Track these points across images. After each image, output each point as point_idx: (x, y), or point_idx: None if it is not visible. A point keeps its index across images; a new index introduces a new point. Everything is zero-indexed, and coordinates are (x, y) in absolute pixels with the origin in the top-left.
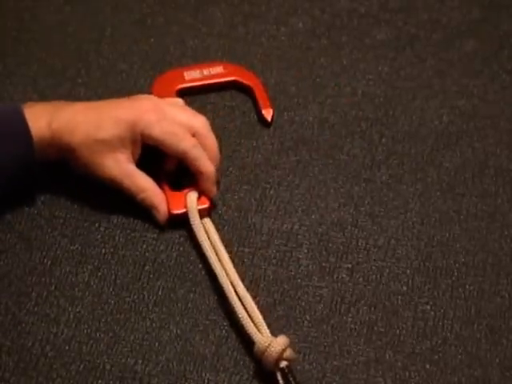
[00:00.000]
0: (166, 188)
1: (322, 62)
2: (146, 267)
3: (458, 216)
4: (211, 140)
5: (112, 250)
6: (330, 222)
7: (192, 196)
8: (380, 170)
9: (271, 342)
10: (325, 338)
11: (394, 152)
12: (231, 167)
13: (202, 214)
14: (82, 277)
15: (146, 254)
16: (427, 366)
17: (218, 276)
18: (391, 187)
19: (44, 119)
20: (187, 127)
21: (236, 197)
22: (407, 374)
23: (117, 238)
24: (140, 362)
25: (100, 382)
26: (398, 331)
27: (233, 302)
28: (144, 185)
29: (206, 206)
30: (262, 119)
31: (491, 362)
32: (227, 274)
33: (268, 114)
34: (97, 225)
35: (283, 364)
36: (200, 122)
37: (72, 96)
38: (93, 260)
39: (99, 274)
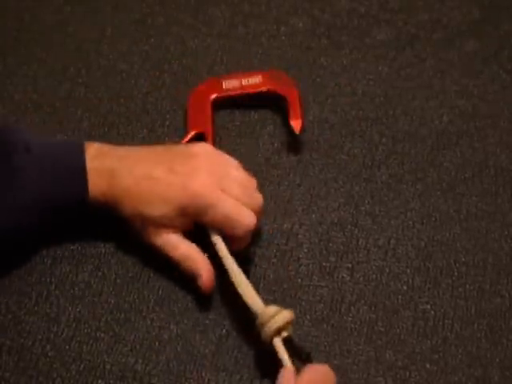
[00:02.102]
0: None
1: (322, 61)
2: (146, 267)
3: (458, 216)
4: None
5: (112, 250)
6: (330, 221)
7: None
8: (380, 170)
9: (278, 312)
10: (325, 338)
11: (394, 152)
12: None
13: None
14: (82, 277)
15: (146, 253)
16: (427, 366)
17: (223, 258)
18: (391, 187)
19: (101, 186)
20: (245, 204)
21: None
22: (407, 373)
23: (117, 237)
24: (140, 361)
25: (100, 381)
26: (398, 331)
27: (236, 278)
28: (187, 253)
29: None
30: (291, 130)
31: (491, 361)
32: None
33: (296, 125)
34: (97, 225)
35: (284, 334)
36: (259, 198)
37: (72, 96)
38: (93, 260)
39: (99, 273)
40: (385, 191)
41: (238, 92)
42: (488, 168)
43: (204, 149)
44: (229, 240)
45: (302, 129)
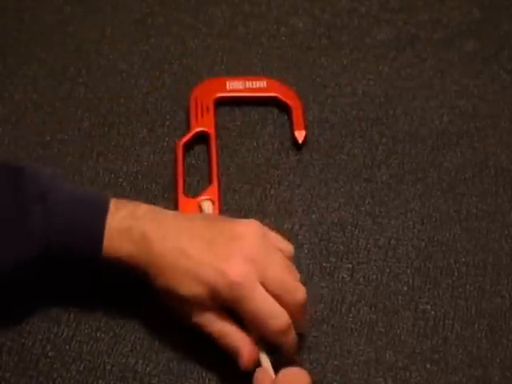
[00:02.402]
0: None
1: (322, 61)
2: None
3: (458, 216)
4: (304, 320)
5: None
6: (330, 221)
7: (206, 205)
8: (380, 170)
9: None
10: (325, 338)
11: (394, 152)
12: (231, 167)
13: None
14: (82, 277)
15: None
16: (428, 366)
17: None
18: (391, 187)
19: (129, 248)
20: (280, 298)
21: (236, 197)
22: (408, 373)
23: None
24: (140, 361)
25: (100, 381)
26: (398, 331)
27: None
28: (224, 330)
29: None
30: (293, 139)
31: (491, 361)
32: None
33: (300, 135)
34: None
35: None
36: (300, 296)
37: (72, 96)
38: None
39: (99, 273)
40: (385, 191)
41: (242, 94)
42: (488, 168)
43: (251, 230)
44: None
45: (305, 139)
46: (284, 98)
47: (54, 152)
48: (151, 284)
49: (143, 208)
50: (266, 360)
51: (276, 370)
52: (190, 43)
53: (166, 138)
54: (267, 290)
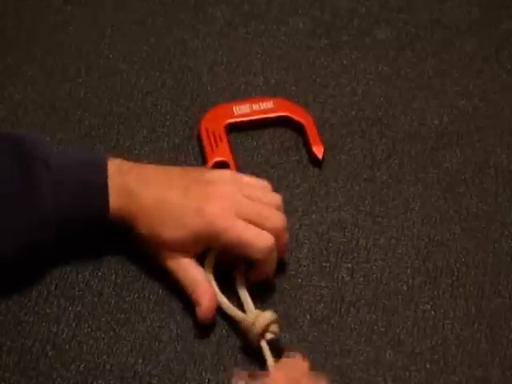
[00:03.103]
0: None
1: (322, 61)
2: (146, 267)
3: (458, 216)
4: (285, 239)
5: (112, 250)
6: (330, 221)
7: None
8: (380, 170)
9: (258, 316)
10: (325, 338)
11: (394, 152)
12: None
13: None
14: (82, 277)
15: (147, 254)
16: (427, 366)
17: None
18: (391, 187)
19: (119, 202)
20: (263, 224)
21: None
22: (407, 373)
23: (117, 237)
24: (140, 361)
25: (100, 381)
26: (398, 331)
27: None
28: (194, 279)
29: None
30: (312, 156)
31: (491, 361)
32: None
33: (319, 151)
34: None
35: (269, 336)
36: (279, 221)
37: (72, 96)
38: (93, 260)
39: (99, 273)
40: (385, 191)
41: (252, 117)
42: (488, 168)
43: (221, 177)
44: (255, 270)
45: (324, 154)
46: (295, 117)
47: None
48: (135, 233)
49: (127, 164)
50: (268, 353)
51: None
52: (190, 43)
53: (166, 138)
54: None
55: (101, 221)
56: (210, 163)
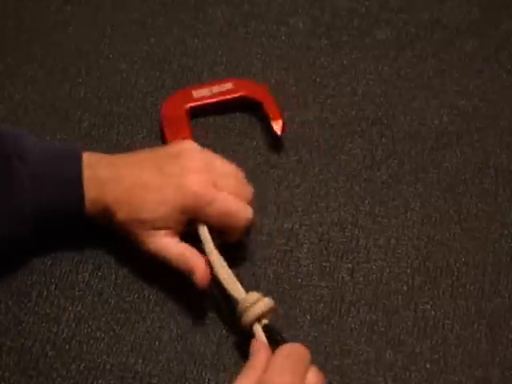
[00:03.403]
0: None
1: (322, 61)
2: (146, 267)
3: (457, 216)
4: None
5: (112, 250)
6: (330, 221)
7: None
8: (380, 170)
9: (259, 299)
10: (325, 338)
11: (394, 152)
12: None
13: None
14: (82, 277)
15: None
16: (427, 366)
17: (206, 249)
18: (391, 187)
19: (91, 195)
20: (238, 196)
21: None
22: (407, 373)
23: (117, 237)
24: (140, 361)
25: (100, 381)
26: (398, 331)
27: (217, 266)
28: (182, 252)
29: None
30: (272, 133)
31: (491, 361)
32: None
33: (278, 125)
34: (97, 225)
35: (264, 322)
36: (250, 194)
37: (72, 96)
38: (93, 260)
39: (99, 273)
40: (385, 191)
41: (212, 100)
42: (488, 168)
43: (187, 146)
44: (225, 233)
45: (284, 128)
46: (254, 96)
47: None
48: (115, 222)
49: (94, 156)
50: (262, 335)
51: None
52: (190, 43)
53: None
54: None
55: (77, 214)
56: None
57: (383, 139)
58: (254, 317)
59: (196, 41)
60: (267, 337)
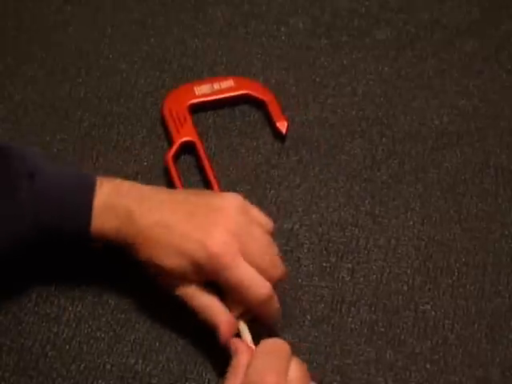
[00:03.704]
0: None
1: (322, 61)
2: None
3: (458, 216)
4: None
5: (112, 250)
6: (330, 221)
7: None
8: (380, 170)
9: None
10: (325, 338)
11: (394, 152)
12: (231, 167)
13: None
14: (82, 277)
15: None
16: (427, 366)
17: None
18: (391, 187)
19: (115, 224)
20: (263, 271)
21: None
22: (408, 373)
23: None
24: (140, 361)
25: (100, 381)
26: (398, 331)
27: None
28: (205, 304)
29: None
30: (276, 132)
31: (491, 361)
32: None
33: (283, 126)
34: None
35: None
36: (281, 270)
37: (72, 96)
38: (93, 260)
39: (99, 274)
40: (385, 191)
41: (213, 97)
42: (488, 168)
43: (232, 202)
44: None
45: (288, 129)
46: (256, 94)
47: (53, 152)
48: (136, 258)
49: (126, 184)
50: (246, 332)
51: (257, 342)
52: (190, 43)
53: (166, 138)
54: (248, 263)
55: (82, 241)
56: (177, 144)
57: (383, 139)
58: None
59: (196, 41)
60: (251, 330)
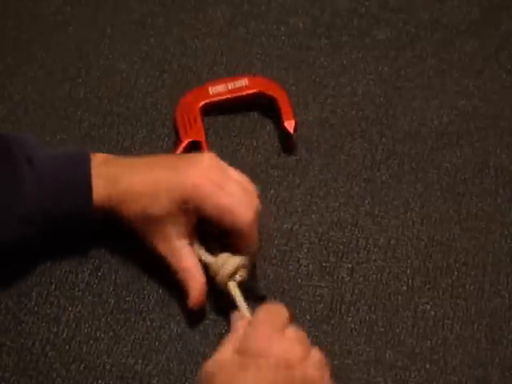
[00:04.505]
0: None
1: (321, 61)
2: (146, 267)
3: (458, 216)
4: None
5: (112, 250)
6: (330, 221)
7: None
8: (380, 170)
9: (228, 258)
10: (325, 338)
11: (394, 152)
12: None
13: None
14: (82, 277)
15: (146, 253)
16: (427, 366)
17: None
18: (391, 187)
19: (107, 190)
20: (248, 194)
21: None
22: (407, 373)
23: (117, 238)
24: (140, 361)
25: (100, 381)
26: (398, 331)
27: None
28: (185, 265)
29: None
30: (284, 131)
31: (491, 361)
32: None
33: (290, 125)
34: (98, 225)
35: (238, 279)
36: (256, 205)
37: (72, 96)
38: (93, 260)
39: (99, 274)
40: (385, 191)
41: (226, 96)
42: (488, 168)
43: (208, 156)
44: (229, 240)
45: (296, 128)
46: (267, 91)
47: None
48: (126, 216)
49: (113, 156)
50: (242, 302)
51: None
52: (190, 43)
53: (166, 139)
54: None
55: (85, 216)
56: (183, 144)
57: (383, 139)
58: (225, 276)
59: (196, 41)
60: (244, 295)
